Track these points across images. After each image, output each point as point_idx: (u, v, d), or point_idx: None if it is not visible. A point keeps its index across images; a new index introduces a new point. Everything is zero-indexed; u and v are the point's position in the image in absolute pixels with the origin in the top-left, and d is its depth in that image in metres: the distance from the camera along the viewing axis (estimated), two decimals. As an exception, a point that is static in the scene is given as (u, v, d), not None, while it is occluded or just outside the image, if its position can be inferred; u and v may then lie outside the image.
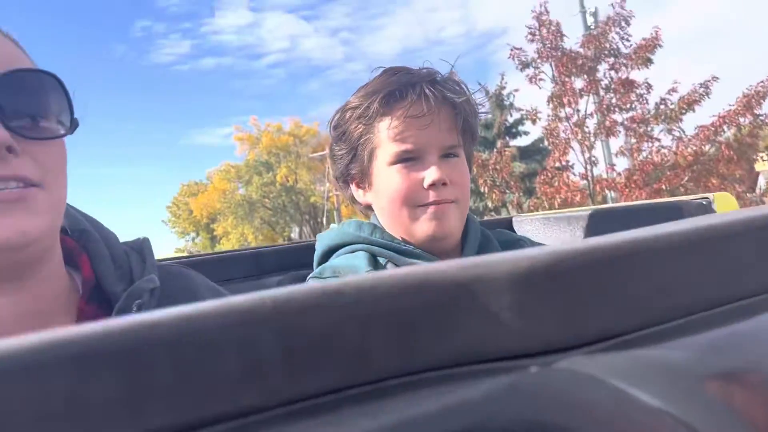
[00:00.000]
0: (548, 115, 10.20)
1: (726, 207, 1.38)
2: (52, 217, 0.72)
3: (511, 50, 10.27)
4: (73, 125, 0.75)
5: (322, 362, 0.32)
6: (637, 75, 9.71)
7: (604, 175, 9.92)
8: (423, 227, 1.09)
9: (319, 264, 1.20)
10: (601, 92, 9.76)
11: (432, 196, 1.08)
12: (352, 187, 1.23)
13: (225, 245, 40.23)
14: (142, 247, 0.89)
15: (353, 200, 1.24)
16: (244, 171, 40.62)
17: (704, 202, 1.48)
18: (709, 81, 9.56)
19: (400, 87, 1.08)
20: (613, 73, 9.79)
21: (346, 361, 0.33)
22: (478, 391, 0.31)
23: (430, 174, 1.07)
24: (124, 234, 0.90)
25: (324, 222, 38.23)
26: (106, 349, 0.28)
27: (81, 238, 0.85)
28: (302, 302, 0.33)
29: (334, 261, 1.15)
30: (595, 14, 12.23)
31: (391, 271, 0.36)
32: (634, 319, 0.38)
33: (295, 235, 41.87)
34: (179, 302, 0.87)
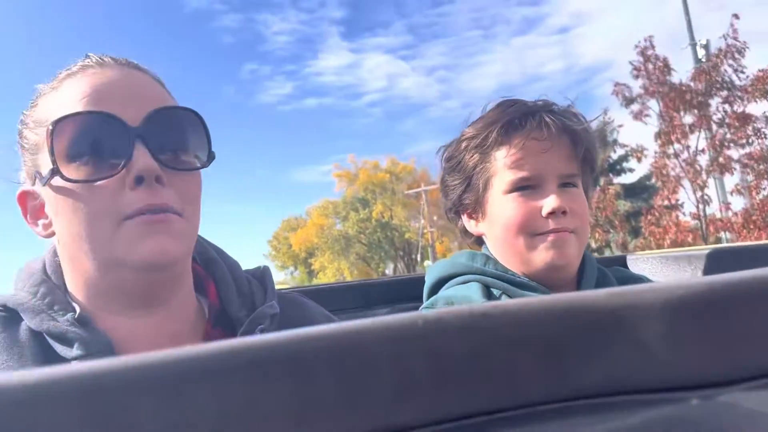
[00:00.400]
0: (655, 152, 9.83)
1: None
2: (188, 243, 0.78)
3: (615, 86, 10.04)
4: (210, 158, 0.81)
5: (470, 384, 0.33)
6: (755, 108, 9.19)
7: (718, 215, 9.37)
8: (541, 256, 1.07)
9: (430, 295, 1.20)
10: (714, 127, 9.29)
11: (551, 224, 1.05)
12: (464, 217, 1.22)
13: (322, 279, 41.09)
14: (263, 275, 0.94)
15: (464, 231, 1.23)
16: (342, 207, 41.52)
17: None
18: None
19: (519, 116, 1.08)
20: (726, 106, 9.31)
21: (495, 383, 0.33)
22: (633, 422, 0.30)
23: (550, 202, 1.05)
24: None
25: (418, 258, 38.26)
26: (278, 357, 0.29)
27: (208, 266, 0.90)
28: (451, 323, 0.34)
29: (447, 292, 1.14)
30: (706, 47, 11.74)
31: (536, 298, 0.36)
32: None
33: (389, 270, 42.11)
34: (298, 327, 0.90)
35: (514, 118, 1.09)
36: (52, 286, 0.79)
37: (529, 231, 1.08)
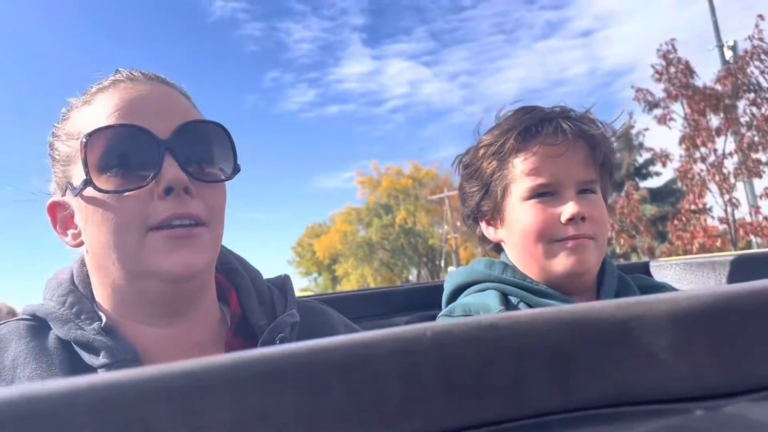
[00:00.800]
0: (681, 156, 9.68)
1: None
2: (212, 255, 0.81)
3: (636, 91, 9.90)
4: (235, 170, 0.83)
5: (478, 394, 0.33)
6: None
7: (748, 219, 9.21)
8: (560, 263, 1.07)
9: (449, 302, 1.20)
10: (742, 130, 9.12)
11: (570, 230, 1.05)
12: (482, 224, 1.23)
13: (345, 285, 41.13)
14: (284, 283, 0.95)
15: (483, 238, 1.24)
16: (365, 213, 41.57)
17: None
18: None
19: (535, 122, 1.08)
20: (754, 109, 9.14)
21: (503, 394, 0.34)
22: (643, 431, 0.31)
23: (568, 208, 1.05)
24: None
25: (442, 264, 38.11)
26: (290, 369, 0.30)
27: (230, 275, 0.92)
28: (459, 335, 0.34)
29: (465, 299, 1.14)
30: (734, 48, 11.55)
31: (545, 309, 0.37)
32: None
33: (413, 277, 42.01)
34: (317, 337, 0.91)
35: (531, 125, 1.09)
36: (79, 295, 0.81)
37: (548, 238, 1.08)
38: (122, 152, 0.75)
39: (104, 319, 0.78)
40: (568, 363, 0.34)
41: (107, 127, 0.74)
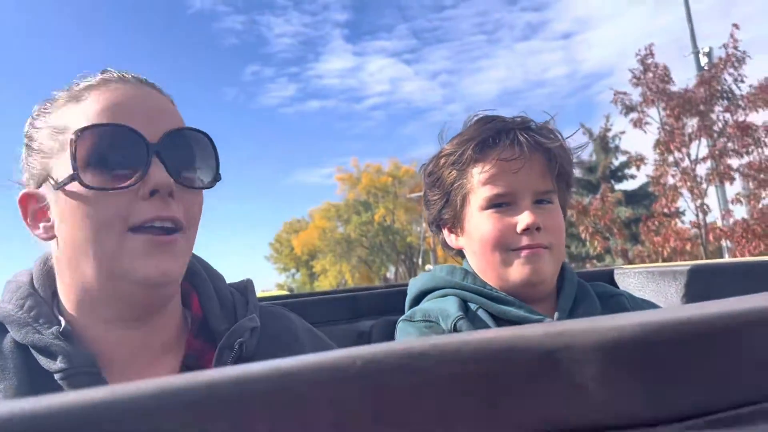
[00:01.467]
0: (655, 160, 9.80)
1: None
2: (186, 261, 0.82)
3: (615, 94, 9.99)
4: (216, 179, 0.85)
5: (408, 424, 0.33)
6: (756, 118, 9.14)
7: (719, 223, 9.35)
8: (516, 272, 1.08)
9: (411, 306, 1.21)
10: (715, 136, 9.26)
11: (525, 240, 1.07)
12: (445, 232, 1.24)
13: (323, 282, 41.10)
14: (246, 288, 0.95)
15: (445, 245, 1.25)
16: (344, 210, 41.47)
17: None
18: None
19: (493, 134, 1.09)
20: (727, 115, 9.28)
21: (432, 423, 0.34)
22: (563, 462, 0.31)
23: (524, 218, 1.07)
24: (228, 268, 0.96)
25: (420, 262, 38.23)
26: (211, 398, 0.30)
27: (192, 278, 0.92)
28: (389, 363, 0.34)
29: (425, 305, 1.15)
30: (709, 54, 11.72)
31: (477, 334, 0.37)
32: (729, 397, 0.36)
33: (390, 274, 42.06)
34: (279, 342, 0.92)
35: (489, 137, 1.11)
36: (39, 299, 0.80)
37: (505, 247, 1.10)
38: (111, 151, 0.75)
39: (63, 323, 0.77)
40: (496, 391, 0.34)
41: (99, 125, 0.75)
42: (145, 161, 0.75)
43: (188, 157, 0.81)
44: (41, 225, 0.81)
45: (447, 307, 1.10)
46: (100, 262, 0.74)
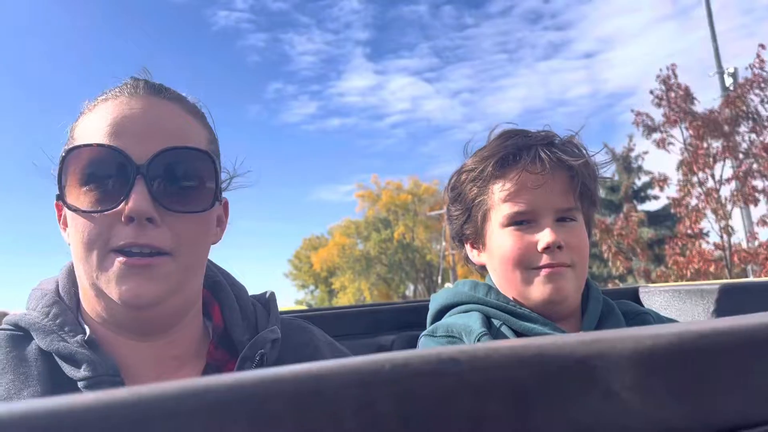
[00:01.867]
0: (678, 181, 9.68)
1: None
2: (173, 283, 0.78)
3: (636, 115, 9.89)
4: (215, 201, 0.81)
5: (437, 429, 0.33)
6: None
7: (744, 245, 9.20)
8: (537, 291, 1.07)
9: (433, 322, 1.20)
10: (740, 157, 9.13)
11: (546, 259, 1.06)
12: (467, 247, 1.23)
13: (342, 299, 41.07)
14: (268, 300, 0.95)
15: (467, 260, 1.24)
16: (363, 227, 41.54)
17: None
18: None
19: (514, 150, 1.09)
20: (753, 136, 9.16)
21: (460, 429, 0.33)
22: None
23: (544, 237, 1.05)
24: (247, 285, 0.96)
25: (439, 281, 38.08)
26: (236, 399, 0.30)
27: (214, 289, 0.91)
28: (418, 368, 0.34)
29: (448, 320, 1.14)
30: (734, 75, 11.62)
31: (507, 342, 0.36)
32: (766, 411, 0.35)
33: (409, 292, 41.91)
34: (301, 354, 0.90)
35: (509, 153, 1.10)
36: (64, 307, 0.80)
37: (525, 265, 1.08)
38: (97, 172, 0.74)
39: (88, 331, 0.77)
40: (527, 399, 0.34)
41: (85, 146, 0.74)
42: (128, 184, 0.73)
43: (180, 178, 0.78)
44: (66, 231, 0.82)
45: (470, 322, 1.09)
46: (89, 277, 0.75)
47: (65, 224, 0.81)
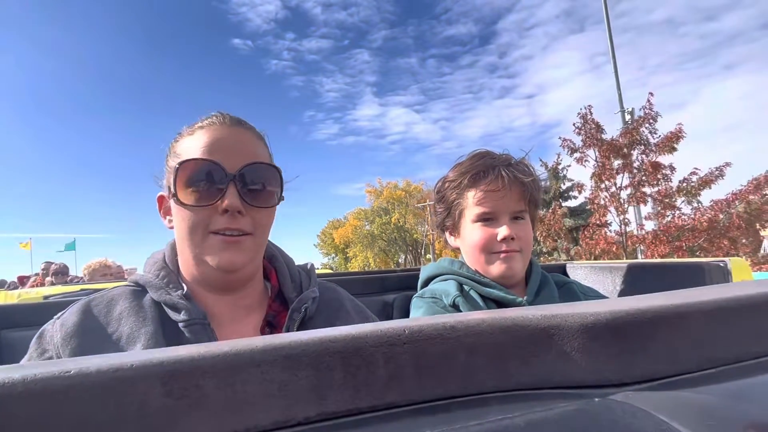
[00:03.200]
0: (591, 186, 9.66)
1: (740, 270, 1.23)
2: (254, 255, 0.80)
3: (563, 140, 9.84)
4: (279, 200, 0.83)
5: (441, 376, 0.32)
6: (665, 159, 8.99)
7: (635, 233, 9.19)
8: (496, 268, 1.07)
9: (422, 287, 1.20)
10: (634, 171, 9.09)
11: (503, 246, 1.06)
12: (447, 234, 1.23)
13: (354, 264, 41.08)
14: (310, 269, 0.94)
15: (447, 243, 1.24)
16: (370, 213, 41.43)
17: (721, 264, 1.34)
18: (723, 166, 8.72)
19: (483, 169, 1.08)
20: (644, 156, 9.12)
21: (457, 377, 0.33)
22: (556, 409, 0.30)
23: (502, 231, 1.05)
24: (288, 251, 0.97)
25: (422, 252, 38.12)
26: (304, 353, 0.29)
27: (271, 260, 0.91)
28: (428, 333, 0.33)
29: (433, 286, 1.14)
30: (632, 113, 11.49)
31: (490, 313, 0.36)
32: (675, 366, 0.35)
33: (401, 260, 41.99)
34: (330, 307, 0.89)
35: (480, 170, 1.09)
36: (169, 270, 0.81)
37: (488, 250, 1.08)
38: (201, 178, 0.75)
39: (185, 288, 0.77)
40: (504, 356, 0.33)
41: (193, 159, 0.75)
42: (224, 187, 0.74)
43: (259, 184, 0.78)
44: (167, 218, 0.81)
45: (448, 288, 1.09)
46: (192, 251, 0.76)
47: (166, 213, 0.81)
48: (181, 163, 0.74)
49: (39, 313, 1.13)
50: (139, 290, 0.80)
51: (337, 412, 0.29)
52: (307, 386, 0.29)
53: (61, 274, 4.71)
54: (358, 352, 0.31)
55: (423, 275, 1.23)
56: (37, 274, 5.85)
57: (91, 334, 0.72)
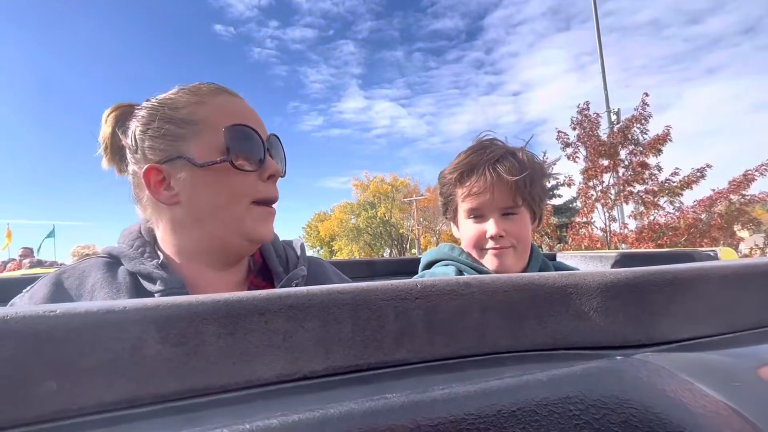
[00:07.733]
0: (580, 182, 9.72)
1: (729, 259, 1.24)
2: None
3: (558, 133, 9.85)
4: (285, 170, 0.84)
5: (452, 334, 0.31)
6: (652, 160, 9.09)
7: (618, 231, 9.31)
8: (488, 263, 1.07)
9: (423, 270, 1.19)
10: (621, 170, 9.19)
11: (492, 244, 1.05)
12: (452, 224, 1.23)
13: (339, 257, 41.08)
14: (301, 246, 0.92)
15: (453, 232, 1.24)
16: (356, 207, 41.33)
17: (711, 254, 1.35)
18: (704, 168, 8.88)
19: (468, 168, 1.07)
20: (632, 156, 9.22)
21: (470, 335, 0.31)
22: (575, 369, 0.28)
23: (490, 229, 1.05)
24: None
25: (407, 247, 38.22)
26: (311, 304, 0.28)
27: None
28: (441, 289, 0.32)
29: (434, 269, 1.14)
30: (617, 114, 11.61)
31: (506, 274, 0.34)
32: (694, 328, 0.34)
33: (386, 254, 42.04)
34: (317, 282, 0.88)
35: (465, 170, 1.09)
36: (144, 241, 0.77)
37: (479, 246, 1.08)
38: (247, 144, 0.73)
39: (161, 257, 0.75)
40: (519, 315, 0.32)
41: (240, 125, 0.73)
42: (263, 154, 0.73)
43: (280, 154, 0.81)
44: (164, 192, 0.73)
45: (448, 272, 1.08)
46: (228, 223, 0.72)
47: (161, 186, 0.73)
48: (231, 127, 0.71)
49: (9, 290, 1.09)
50: (113, 262, 0.76)
51: (344, 367, 0.27)
52: (313, 339, 0.27)
53: (25, 257, 4.99)
54: (367, 305, 0.29)
55: (425, 259, 1.23)
56: (13, 260, 5.82)
57: None
